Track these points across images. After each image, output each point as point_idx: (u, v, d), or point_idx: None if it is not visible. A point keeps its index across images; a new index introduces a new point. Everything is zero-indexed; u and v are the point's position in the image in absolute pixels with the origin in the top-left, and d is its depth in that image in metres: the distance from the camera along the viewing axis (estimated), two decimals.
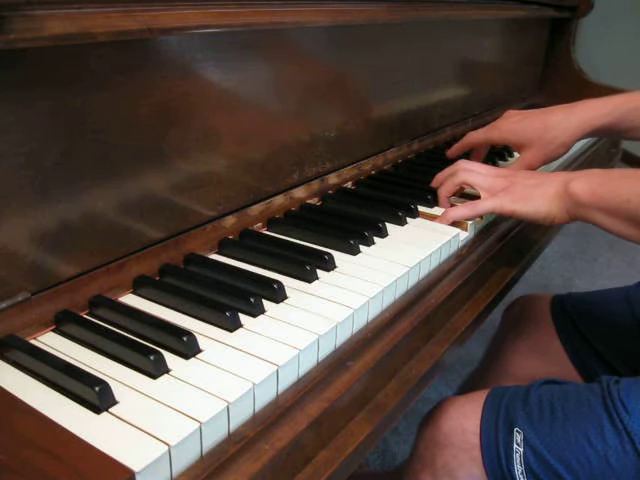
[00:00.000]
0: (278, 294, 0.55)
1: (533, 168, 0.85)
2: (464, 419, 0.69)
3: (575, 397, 0.66)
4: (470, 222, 0.74)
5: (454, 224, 0.74)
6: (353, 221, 0.72)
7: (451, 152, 0.94)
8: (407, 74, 0.98)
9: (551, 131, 0.83)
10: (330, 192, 0.82)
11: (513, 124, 0.86)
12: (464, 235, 0.73)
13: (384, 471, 1.31)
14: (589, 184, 0.67)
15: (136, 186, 0.57)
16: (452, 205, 0.79)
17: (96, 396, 0.40)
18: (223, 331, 0.51)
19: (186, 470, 0.39)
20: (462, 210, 0.74)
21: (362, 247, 0.67)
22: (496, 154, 1.02)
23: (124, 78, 0.54)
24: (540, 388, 0.69)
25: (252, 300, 0.53)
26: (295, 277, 0.60)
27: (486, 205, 0.72)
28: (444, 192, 0.79)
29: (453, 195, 0.80)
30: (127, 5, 0.50)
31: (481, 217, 0.76)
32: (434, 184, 0.83)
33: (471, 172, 0.77)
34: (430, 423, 0.72)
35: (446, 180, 0.79)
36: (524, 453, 0.63)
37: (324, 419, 0.47)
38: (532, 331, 0.97)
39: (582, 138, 0.86)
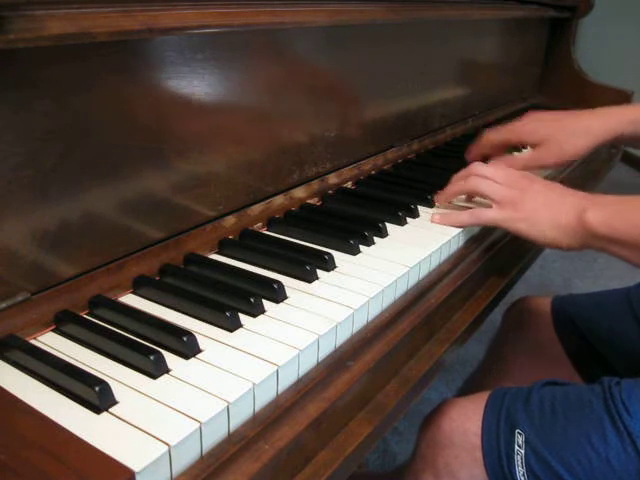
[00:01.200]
0: (278, 294, 0.55)
1: (544, 167, 0.84)
2: (465, 420, 0.69)
3: (576, 398, 0.66)
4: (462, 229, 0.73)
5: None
6: (353, 221, 0.72)
7: (470, 156, 0.91)
8: (407, 74, 0.98)
9: (571, 136, 0.82)
10: (330, 192, 0.82)
11: (534, 123, 0.85)
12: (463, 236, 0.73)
13: (384, 471, 1.31)
14: (604, 215, 0.65)
15: (136, 186, 0.57)
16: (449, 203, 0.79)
17: (96, 396, 0.40)
18: (223, 331, 0.50)
19: (186, 470, 0.39)
20: (465, 217, 0.72)
21: (362, 247, 0.66)
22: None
23: (124, 78, 0.54)
24: (542, 389, 0.69)
25: (252, 300, 0.53)
26: (295, 277, 0.60)
27: (491, 217, 0.71)
28: (449, 194, 0.78)
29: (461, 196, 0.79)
30: (127, 5, 0.50)
31: None
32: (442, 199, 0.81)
33: (484, 180, 0.73)
34: (432, 423, 0.72)
35: (456, 182, 0.77)
36: (525, 455, 0.63)
37: (324, 419, 0.47)
38: (533, 333, 0.97)
39: (602, 145, 0.85)
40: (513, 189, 0.71)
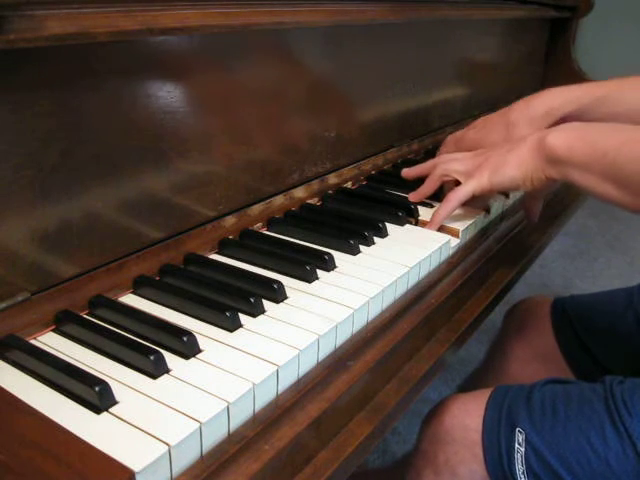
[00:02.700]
0: (278, 294, 0.55)
1: None
2: (466, 416, 0.69)
3: (577, 397, 0.66)
4: (462, 228, 0.73)
5: (445, 229, 0.73)
6: (353, 221, 0.72)
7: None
8: (407, 74, 0.98)
9: (514, 128, 0.80)
10: (330, 192, 0.82)
11: (476, 133, 0.84)
12: (463, 237, 0.73)
13: (384, 468, 1.31)
14: (565, 138, 0.64)
15: (136, 186, 0.57)
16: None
17: (96, 396, 0.40)
18: (223, 331, 0.51)
19: (186, 470, 0.39)
20: (445, 207, 0.71)
21: (362, 247, 0.66)
22: None
23: (124, 78, 0.54)
24: (543, 387, 0.69)
25: (252, 300, 0.53)
26: (295, 277, 0.60)
27: (465, 189, 0.70)
28: (425, 192, 0.78)
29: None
30: (127, 5, 0.50)
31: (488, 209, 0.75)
32: (407, 174, 0.82)
33: (448, 161, 0.75)
34: (433, 420, 0.72)
35: (427, 179, 0.78)
36: (525, 453, 0.63)
37: (324, 419, 0.47)
38: (532, 336, 0.96)
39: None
40: (476, 157, 0.73)
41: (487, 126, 0.84)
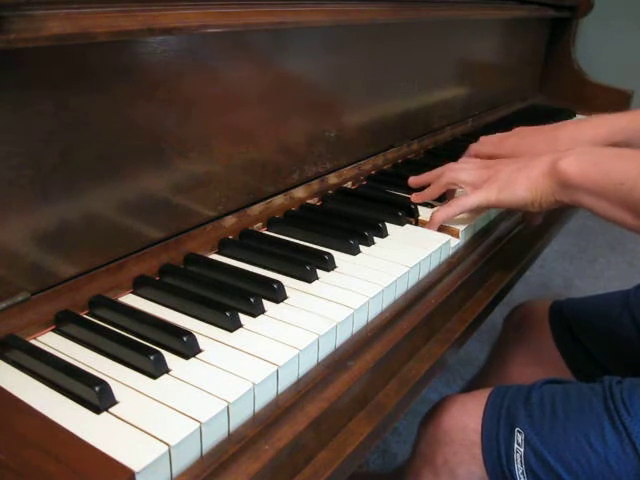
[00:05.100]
0: (278, 294, 0.55)
1: None
2: (465, 416, 0.69)
3: (576, 397, 0.66)
4: (462, 228, 0.73)
5: (445, 229, 0.73)
6: (353, 221, 0.72)
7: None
8: (407, 74, 0.98)
9: (561, 147, 0.79)
10: (330, 192, 0.82)
11: (522, 139, 0.83)
12: (463, 237, 0.73)
13: (383, 472, 1.31)
14: (579, 164, 0.63)
15: (136, 186, 0.57)
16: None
17: (96, 396, 0.40)
18: (223, 331, 0.51)
19: (186, 470, 0.39)
20: (447, 210, 0.71)
21: (362, 247, 0.66)
22: None
23: (124, 78, 0.54)
24: (542, 387, 0.69)
25: (252, 300, 0.53)
26: (295, 277, 0.60)
27: (471, 200, 0.70)
28: (428, 196, 0.78)
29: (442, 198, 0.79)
30: (127, 5, 0.50)
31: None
32: (414, 183, 0.81)
33: (456, 170, 0.75)
34: (431, 420, 0.72)
35: (432, 184, 0.78)
36: (525, 453, 0.63)
37: (324, 419, 0.47)
38: (532, 339, 0.96)
39: None
40: (485, 169, 0.72)
41: (534, 136, 0.83)
